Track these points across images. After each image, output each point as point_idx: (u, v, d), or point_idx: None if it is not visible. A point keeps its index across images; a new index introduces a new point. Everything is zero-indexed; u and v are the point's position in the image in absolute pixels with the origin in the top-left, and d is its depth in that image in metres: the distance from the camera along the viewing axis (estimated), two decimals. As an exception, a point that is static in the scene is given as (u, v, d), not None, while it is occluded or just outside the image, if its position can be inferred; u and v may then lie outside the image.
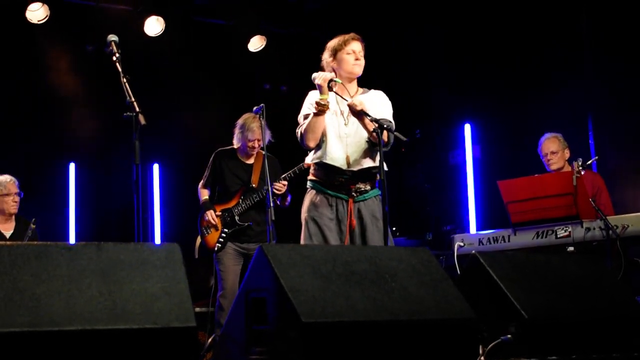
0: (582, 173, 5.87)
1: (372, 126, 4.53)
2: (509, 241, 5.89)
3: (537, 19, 8.05)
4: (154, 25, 8.32)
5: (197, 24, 8.79)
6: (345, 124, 4.71)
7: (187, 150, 9.05)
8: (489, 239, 6.00)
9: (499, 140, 8.55)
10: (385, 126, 4.44)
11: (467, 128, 8.86)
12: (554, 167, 6.44)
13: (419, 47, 8.94)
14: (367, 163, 4.69)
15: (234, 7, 8.62)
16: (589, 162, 6.29)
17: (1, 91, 8.17)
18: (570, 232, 5.64)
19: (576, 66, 7.85)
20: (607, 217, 5.43)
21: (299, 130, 4.71)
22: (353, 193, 4.67)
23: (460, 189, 8.82)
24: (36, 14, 7.77)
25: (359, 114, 4.54)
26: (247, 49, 8.81)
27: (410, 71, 9.21)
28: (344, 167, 4.65)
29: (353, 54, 4.73)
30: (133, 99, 4.20)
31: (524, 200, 5.80)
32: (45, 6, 7.77)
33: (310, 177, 4.78)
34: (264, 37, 8.79)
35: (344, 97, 4.64)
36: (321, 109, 4.58)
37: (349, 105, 4.57)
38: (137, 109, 4.16)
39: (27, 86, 8.33)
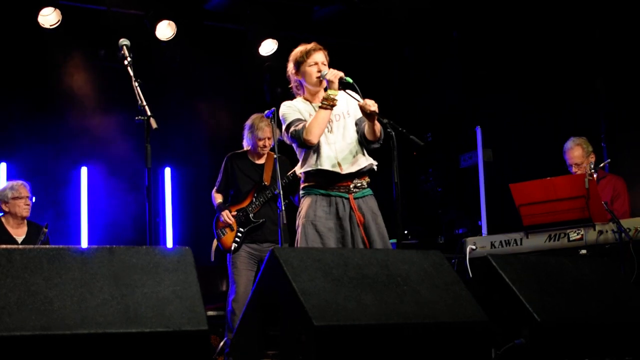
0: (594, 176, 5.85)
1: (378, 127, 4.54)
2: (521, 244, 5.87)
3: (544, 20, 8.04)
4: (165, 30, 8.34)
5: (208, 28, 8.81)
6: (329, 131, 4.68)
7: (199, 154, 9.08)
8: (501, 242, 5.98)
9: (511, 143, 8.53)
10: (400, 129, 4.44)
11: (479, 131, 8.82)
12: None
13: (421, 48, 8.90)
14: (358, 166, 4.66)
15: (245, 12, 8.63)
16: (602, 164, 6.26)
17: (13, 96, 8.21)
18: (582, 235, 5.62)
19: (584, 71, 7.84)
20: (620, 220, 5.41)
21: (296, 129, 4.59)
22: (352, 189, 4.65)
23: (472, 192, 8.79)
24: (48, 18, 7.77)
25: (370, 115, 4.51)
26: (259, 52, 8.82)
27: (410, 72, 9.19)
28: (338, 171, 4.62)
29: (316, 66, 4.68)
30: (144, 103, 4.22)
31: (536, 203, 5.78)
32: (57, 11, 7.78)
33: (305, 184, 4.70)
34: (275, 40, 8.79)
35: (354, 97, 4.63)
36: (331, 104, 4.55)
37: (360, 107, 4.53)
38: (149, 113, 4.17)
39: (39, 90, 8.35)
